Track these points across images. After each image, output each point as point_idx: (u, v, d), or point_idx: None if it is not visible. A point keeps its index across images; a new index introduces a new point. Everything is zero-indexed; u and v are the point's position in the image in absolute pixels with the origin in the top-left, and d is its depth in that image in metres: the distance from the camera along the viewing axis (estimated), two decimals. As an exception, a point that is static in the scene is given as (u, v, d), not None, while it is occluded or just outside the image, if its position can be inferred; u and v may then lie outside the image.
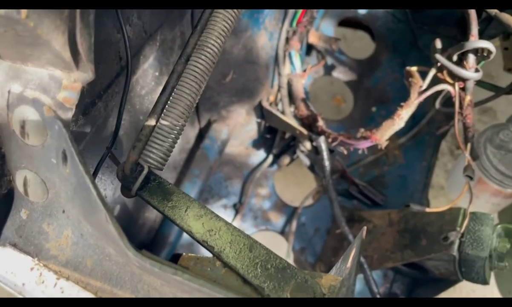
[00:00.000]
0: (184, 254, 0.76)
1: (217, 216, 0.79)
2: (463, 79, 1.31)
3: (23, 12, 0.56)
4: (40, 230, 0.75)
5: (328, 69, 2.06)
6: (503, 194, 1.66)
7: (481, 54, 1.28)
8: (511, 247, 1.31)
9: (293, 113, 1.77)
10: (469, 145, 1.37)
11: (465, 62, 1.29)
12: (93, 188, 0.61)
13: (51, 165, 0.70)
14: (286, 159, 1.85)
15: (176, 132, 0.84)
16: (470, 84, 1.32)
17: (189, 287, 0.60)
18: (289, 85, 1.77)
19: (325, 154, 1.61)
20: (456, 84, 1.34)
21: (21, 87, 0.69)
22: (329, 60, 2.06)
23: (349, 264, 0.72)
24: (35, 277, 0.72)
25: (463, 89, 1.34)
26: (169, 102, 0.85)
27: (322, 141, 1.60)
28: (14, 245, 0.75)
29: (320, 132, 1.63)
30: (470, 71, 1.28)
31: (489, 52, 1.25)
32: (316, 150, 1.66)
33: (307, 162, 1.77)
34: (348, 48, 2.12)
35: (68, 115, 0.70)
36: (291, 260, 1.77)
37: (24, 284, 0.72)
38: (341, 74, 2.07)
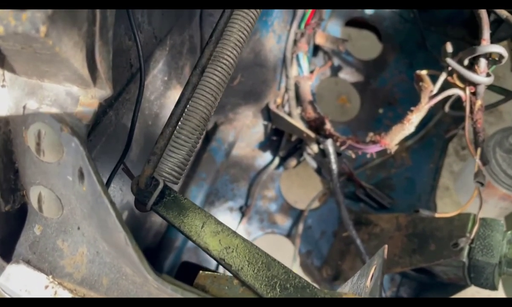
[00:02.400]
0: (201, 272, 0.75)
1: (234, 232, 0.77)
2: (474, 84, 1.30)
3: (42, 30, 0.55)
4: (54, 246, 0.73)
5: (335, 70, 2.05)
6: (511, 198, 1.65)
7: (492, 59, 1.26)
8: (521, 254, 1.31)
9: (300, 116, 1.76)
10: (479, 150, 1.36)
11: (476, 67, 1.28)
12: (112, 209, 0.60)
13: (67, 182, 0.68)
14: (293, 161, 1.84)
15: (191, 145, 0.82)
16: (481, 89, 1.31)
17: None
18: (296, 87, 1.76)
19: (332, 157, 1.60)
20: (467, 88, 1.32)
21: (37, 104, 0.67)
22: (336, 61, 2.04)
23: (368, 283, 0.71)
24: (50, 295, 0.71)
25: (473, 93, 1.32)
26: (184, 114, 0.83)
27: (329, 144, 1.59)
28: (28, 262, 0.74)
29: (328, 136, 1.62)
30: (482, 76, 1.27)
31: (501, 56, 1.24)
32: (323, 153, 1.65)
33: (314, 164, 1.76)
34: (354, 49, 2.11)
35: (84, 132, 0.68)
36: (297, 264, 1.77)
37: (39, 303, 0.71)
38: (347, 75, 2.05)
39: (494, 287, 1.34)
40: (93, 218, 0.68)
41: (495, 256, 1.30)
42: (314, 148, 1.69)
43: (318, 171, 1.77)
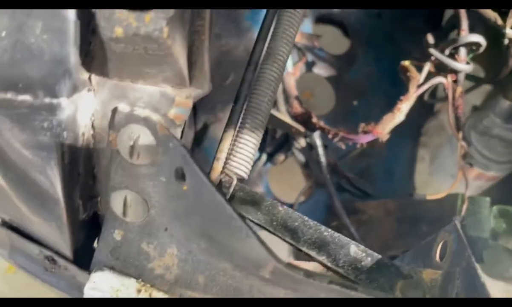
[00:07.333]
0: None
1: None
2: (456, 72, 1.40)
3: (165, 31, 0.54)
4: (139, 250, 0.72)
5: (309, 66, 2.10)
6: (486, 177, 1.77)
7: (470, 48, 1.36)
8: (506, 226, 1.42)
9: (286, 111, 1.79)
10: (460, 133, 1.46)
11: (456, 56, 1.37)
12: (227, 205, 0.61)
13: (159, 183, 0.68)
14: (281, 157, 1.87)
15: (256, 140, 0.84)
16: (462, 77, 1.41)
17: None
18: (282, 83, 1.79)
19: (320, 150, 1.65)
20: (449, 76, 1.42)
21: (129, 106, 0.66)
22: (309, 57, 2.09)
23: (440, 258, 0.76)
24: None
25: (454, 81, 1.42)
26: (246, 111, 0.84)
27: (317, 138, 1.64)
28: (112, 268, 0.72)
29: (318, 129, 1.66)
30: (462, 64, 1.37)
31: (479, 45, 1.34)
32: (310, 147, 1.69)
33: (302, 158, 1.80)
34: (324, 45, 2.16)
35: (178, 132, 0.68)
36: (292, 257, 1.79)
37: (135, 308, 0.70)
38: (321, 70, 2.11)
39: (482, 260, 1.44)
40: (191, 217, 0.68)
41: (485, 230, 1.40)
42: (302, 142, 1.73)
43: (306, 164, 1.82)
